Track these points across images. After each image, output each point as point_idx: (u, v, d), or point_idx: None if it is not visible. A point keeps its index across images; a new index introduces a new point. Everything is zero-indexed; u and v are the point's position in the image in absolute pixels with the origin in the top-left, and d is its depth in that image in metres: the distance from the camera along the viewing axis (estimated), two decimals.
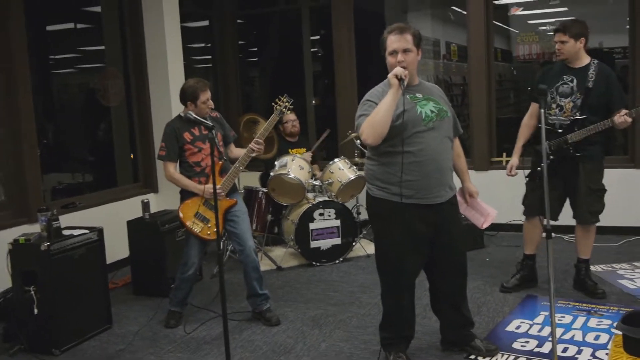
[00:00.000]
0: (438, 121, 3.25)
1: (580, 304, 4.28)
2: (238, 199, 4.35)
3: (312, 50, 8.84)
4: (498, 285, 4.73)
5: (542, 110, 3.22)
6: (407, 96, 3.20)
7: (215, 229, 4.14)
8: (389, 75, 3.15)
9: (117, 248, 5.27)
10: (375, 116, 3.10)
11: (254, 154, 4.22)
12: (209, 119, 4.22)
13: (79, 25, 7.21)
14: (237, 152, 4.43)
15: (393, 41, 3.21)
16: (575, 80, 4.25)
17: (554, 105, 4.32)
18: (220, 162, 4.23)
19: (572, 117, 4.25)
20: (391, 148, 3.19)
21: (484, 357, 3.51)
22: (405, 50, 3.19)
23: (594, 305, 4.24)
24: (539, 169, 4.36)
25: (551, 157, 4.27)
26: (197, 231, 4.16)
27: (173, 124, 4.25)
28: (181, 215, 4.16)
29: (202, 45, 8.36)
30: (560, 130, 4.28)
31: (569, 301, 4.35)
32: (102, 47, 6.83)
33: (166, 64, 6.12)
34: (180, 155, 4.22)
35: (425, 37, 7.92)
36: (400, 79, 3.10)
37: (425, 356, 3.60)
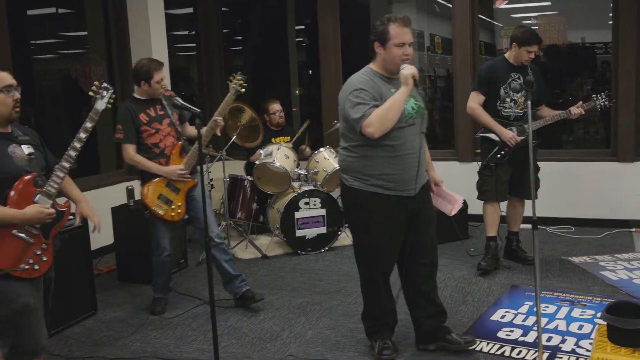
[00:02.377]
0: (418, 118, 3.31)
1: (564, 295, 4.34)
2: (198, 179, 4.27)
3: (297, 39, 8.82)
4: (482, 275, 4.78)
5: (529, 102, 3.24)
6: (393, 90, 3.21)
7: (179, 211, 4.16)
8: (407, 74, 3.11)
9: (101, 234, 5.20)
10: (389, 112, 3.09)
11: (213, 131, 4.18)
12: (163, 98, 4.17)
13: (60, 10, 7.12)
14: (191, 130, 4.37)
15: (401, 33, 3.18)
16: (521, 78, 4.74)
17: (507, 99, 4.76)
18: (180, 143, 4.19)
19: (524, 109, 4.77)
20: (370, 141, 3.19)
21: (462, 349, 3.47)
22: (410, 44, 3.19)
23: (577, 296, 4.30)
24: (500, 154, 4.77)
25: (506, 147, 4.74)
26: (162, 213, 4.13)
27: (127, 104, 4.17)
28: (145, 198, 4.12)
29: (186, 32, 8.30)
30: (513, 121, 4.78)
31: (553, 291, 4.40)
32: (85, 33, 6.75)
33: (150, 51, 6.05)
34: (137, 137, 4.14)
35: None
36: (414, 80, 3.12)
37: (412, 344, 3.61)
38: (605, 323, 2.87)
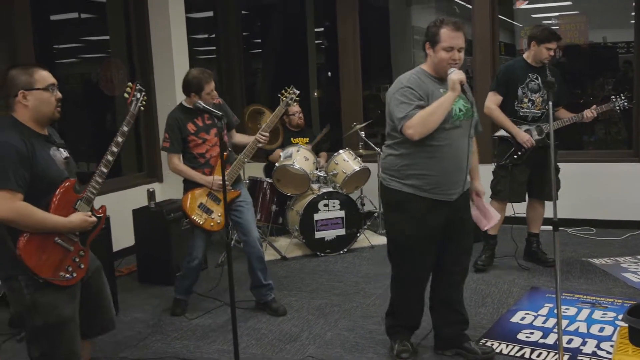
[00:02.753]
0: (465, 120, 3.23)
1: (585, 297, 4.30)
2: (242, 189, 4.34)
3: (316, 42, 8.84)
4: (502, 277, 4.77)
5: (550, 103, 3.21)
6: (442, 90, 3.17)
7: (218, 221, 4.16)
8: (455, 79, 3.06)
9: (122, 236, 5.28)
10: (432, 116, 3.05)
11: (260, 145, 4.22)
12: (211, 106, 4.20)
13: (83, 15, 7.20)
14: (239, 137, 4.39)
15: (452, 37, 3.12)
16: (539, 78, 4.74)
17: (525, 100, 4.77)
18: (225, 153, 4.20)
19: (542, 110, 4.77)
20: (410, 142, 3.14)
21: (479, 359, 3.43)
22: (460, 49, 3.14)
23: (598, 298, 4.26)
24: (517, 154, 4.77)
25: (523, 148, 4.74)
26: (201, 223, 4.15)
27: (175, 114, 4.19)
28: (185, 206, 4.15)
29: (206, 36, 8.36)
30: (531, 122, 4.79)
31: (574, 294, 4.37)
32: (107, 37, 6.83)
33: (171, 55, 6.12)
34: (184, 146, 4.17)
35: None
36: (462, 85, 3.09)
37: (430, 347, 3.60)
38: (626, 325, 2.84)
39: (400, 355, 3.42)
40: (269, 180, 5.77)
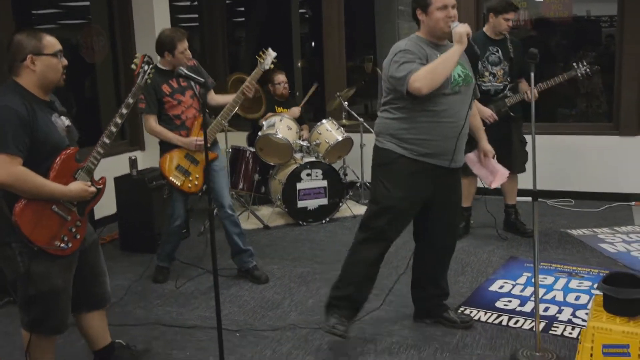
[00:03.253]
0: (464, 86, 3.19)
1: (562, 266, 4.38)
2: (218, 152, 4.32)
3: (300, 11, 8.76)
4: (482, 247, 4.83)
5: (532, 74, 3.22)
6: (438, 54, 3.12)
7: (196, 183, 4.17)
8: (462, 32, 3.00)
9: (104, 204, 5.23)
10: (438, 67, 2.99)
11: (244, 96, 4.14)
12: (186, 67, 4.16)
13: None
14: (218, 98, 4.35)
15: None
16: (500, 51, 4.77)
17: (486, 73, 4.79)
18: (201, 116, 4.19)
19: (504, 83, 4.81)
20: (412, 105, 3.10)
21: (459, 329, 3.45)
22: (453, 6, 3.10)
23: (575, 268, 4.35)
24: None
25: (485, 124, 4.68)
26: (179, 184, 4.14)
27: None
28: (164, 168, 4.14)
29: (189, 3, 8.25)
30: (493, 96, 4.81)
31: (551, 263, 4.45)
32: (87, 3, 6.72)
33: (153, 22, 6.04)
34: (159, 108, 4.13)
35: None
36: (469, 38, 3.03)
37: (399, 328, 3.60)
38: (601, 293, 2.90)
39: (335, 327, 3.23)
40: (252, 149, 5.76)
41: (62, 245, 2.65)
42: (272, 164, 5.75)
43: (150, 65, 3.01)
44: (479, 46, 4.58)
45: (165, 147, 4.18)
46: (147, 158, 6.05)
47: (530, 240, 4.75)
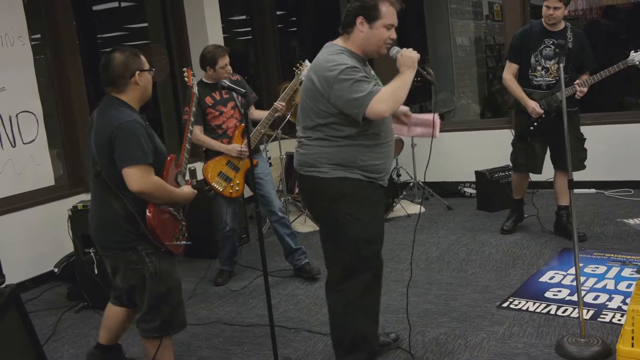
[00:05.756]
0: None
1: (616, 255, 4.36)
2: (260, 160, 4.55)
3: None
4: (535, 239, 4.86)
5: (561, 65, 3.18)
6: (372, 73, 2.92)
7: (237, 188, 4.45)
8: (414, 57, 2.79)
9: None
10: (400, 91, 2.72)
11: (277, 114, 4.42)
12: (229, 81, 4.39)
13: (122, 4, 7.48)
14: (256, 113, 4.61)
15: (393, 13, 2.80)
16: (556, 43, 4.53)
17: (539, 68, 4.61)
18: (242, 125, 4.43)
19: (557, 77, 4.53)
20: (357, 130, 2.77)
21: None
22: (396, 28, 2.85)
23: (629, 256, 4.32)
24: (533, 125, 4.68)
25: (543, 115, 4.60)
26: (221, 190, 4.41)
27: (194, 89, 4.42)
28: (207, 175, 4.42)
29: (242, 17, 8.54)
30: (546, 90, 4.62)
31: (605, 253, 4.43)
32: (145, 25, 7.09)
33: (206, 38, 6.31)
34: (203, 119, 4.42)
35: None
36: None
37: (447, 320, 3.72)
38: None
39: None
40: None
41: (179, 242, 2.92)
42: None
43: (195, 77, 3.31)
44: (533, 38, 4.56)
45: (209, 154, 4.47)
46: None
47: (585, 231, 4.78)
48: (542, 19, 4.58)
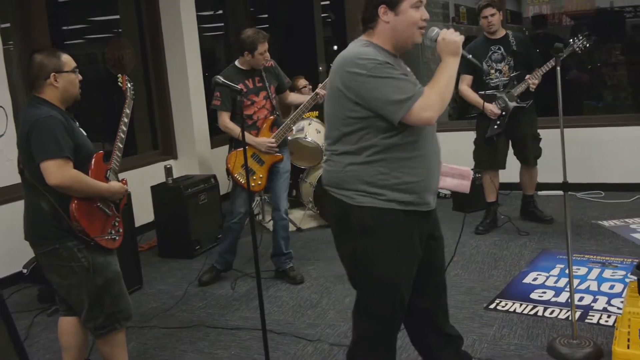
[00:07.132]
0: None
1: (595, 257, 4.42)
2: (285, 155, 4.41)
3: (322, 15, 8.86)
4: (513, 240, 4.89)
5: (558, 68, 3.25)
6: (409, 69, 2.45)
7: (259, 182, 4.32)
8: (458, 40, 2.32)
9: (141, 212, 5.40)
10: (446, 90, 2.27)
11: (319, 100, 4.28)
12: (263, 68, 4.28)
13: None
14: (294, 97, 4.53)
15: None
16: (502, 48, 4.95)
17: (492, 71, 4.97)
18: (272, 117, 4.30)
19: (510, 75, 4.95)
20: (386, 139, 2.28)
21: None
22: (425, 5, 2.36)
23: (608, 258, 4.38)
24: (496, 124, 4.97)
25: (503, 113, 4.92)
26: (243, 181, 4.24)
27: (228, 72, 4.21)
28: (230, 165, 4.27)
29: (212, 13, 8.40)
30: (502, 89, 4.96)
31: (584, 254, 4.49)
32: (117, 17, 6.90)
33: (181, 32, 6.21)
34: (233, 106, 4.22)
35: (434, 0, 7.94)
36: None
37: None
38: (636, 279, 2.95)
39: None
40: None
41: (111, 237, 2.85)
42: (302, 167, 5.86)
43: (132, 84, 3.24)
44: (480, 49, 4.91)
45: (236, 144, 4.28)
46: (180, 166, 6.21)
47: (561, 232, 4.80)
48: (484, 33, 5.05)
